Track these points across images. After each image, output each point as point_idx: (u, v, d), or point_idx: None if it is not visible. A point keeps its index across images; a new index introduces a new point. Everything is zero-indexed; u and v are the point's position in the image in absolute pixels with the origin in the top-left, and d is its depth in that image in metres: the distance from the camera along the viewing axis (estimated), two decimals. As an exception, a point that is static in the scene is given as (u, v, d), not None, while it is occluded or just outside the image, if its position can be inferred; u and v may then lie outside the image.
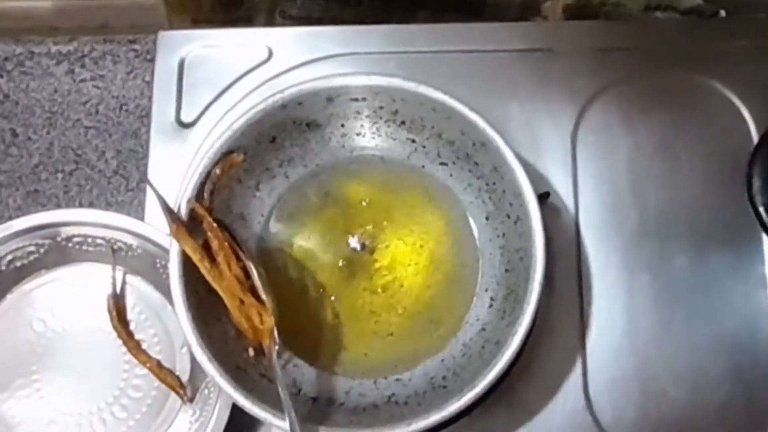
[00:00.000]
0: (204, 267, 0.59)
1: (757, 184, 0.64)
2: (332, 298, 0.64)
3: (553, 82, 0.71)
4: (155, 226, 0.65)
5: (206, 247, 0.60)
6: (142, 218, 0.68)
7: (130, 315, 0.66)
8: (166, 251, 0.60)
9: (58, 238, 0.65)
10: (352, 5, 0.76)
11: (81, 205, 0.71)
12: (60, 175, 0.72)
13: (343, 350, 0.63)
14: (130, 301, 0.66)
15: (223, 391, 0.57)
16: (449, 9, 0.75)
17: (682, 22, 0.75)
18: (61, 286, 0.67)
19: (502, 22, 0.74)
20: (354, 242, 0.65)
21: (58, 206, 0.71)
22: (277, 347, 0.59)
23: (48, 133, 0.73)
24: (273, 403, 0.57)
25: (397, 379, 0.62)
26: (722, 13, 0.74)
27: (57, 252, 0.66)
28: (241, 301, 0.59)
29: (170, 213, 0.60)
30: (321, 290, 0.64)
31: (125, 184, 0.72)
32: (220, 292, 0.59)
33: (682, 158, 0.69)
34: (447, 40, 0.72)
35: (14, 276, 0.66)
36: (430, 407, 0.57)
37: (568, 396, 0.65)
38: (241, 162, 0.62)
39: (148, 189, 0.69)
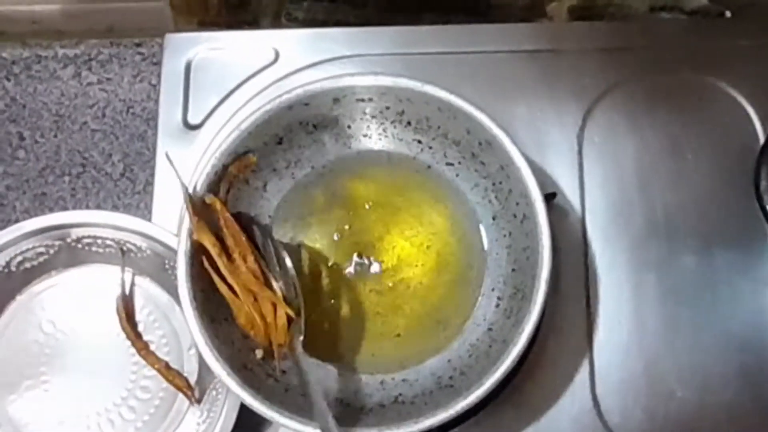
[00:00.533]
0: (222, 262, 0.59)
1: (765, 183, 0.63)
2: (339, 298, 0.64)
3: (559, 83, 0.71)
4: (164, 228, 0.65)
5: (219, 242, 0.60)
6: (149, 221, 0.68)
7: (139, 316, 0.66)
8: (175, 252, 0.60)
9: (68, 240, 0.65)
10: (357, 7, 0.76)
11: (88, 208, 0.71)
12: (67, 179, 0.72)
13: (350, 351, 0.63)
14: (138, 303, 0.66)
15: (231, 392, 0.57)
16: (455, 10, 0.76)
17: (687, 22, 0.75)
18: (70, 288, 0.67)
19: (508, 24, 0.74)
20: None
21: (65, 209, 0.71)
22: (302, 337, 0.58)
23: (55, 136, 0.73)
24: (280, 403, 0.57)
25: (404, 380, 0.62)
26: (727, 13, 0.74)
27: (66, 253, 0.66)
28: (255, 298, 0.59)
29: (192, 206, 0.60)
30: (328, 291, 0.64)
31: (132, 187, 0.72)
32: (236, 288, 0.59)
33: (688, 158, 0.69)
34: (452, 42, 0.72)
35: (24, 277, 0.66)
36: (437, 406, 0.57)
37: (575, 396, 0.64)
38: (255, 162, 0.63)
39: (155, 191, 0.69)
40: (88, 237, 0.65)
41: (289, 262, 0.60)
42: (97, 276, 0.67)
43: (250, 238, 0.61)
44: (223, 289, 0.59)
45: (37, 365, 0.65)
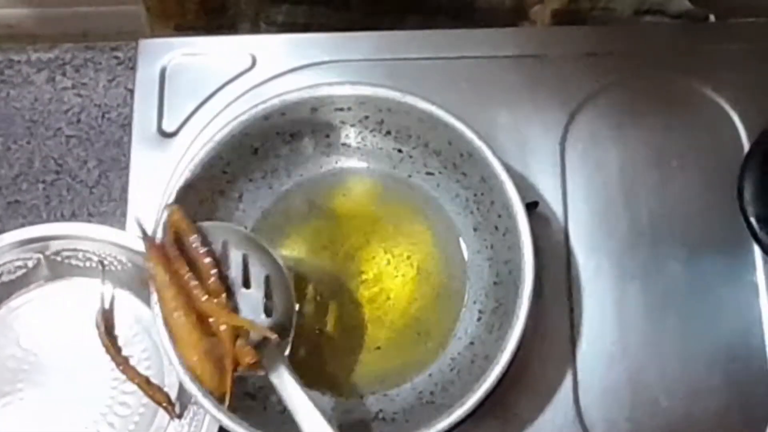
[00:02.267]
0: (169, 296, 0.55)
1: (748, 194, 0.63)
2: (317, 310, 0.63)
3: (543, 88, 0.70)
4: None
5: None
6: (124, 228, 0.67)
7: (119, 331, 0.65)
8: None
9: (47, 253, 0.64)
10: (339, 10, 0.75)
11: (63, 216, 0.70)
12: (41, 186, 0.71)
13: (329, 364, 0.62)
14: (119, 317, 0.65)
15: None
16: (439, 14, 0.75)
17: (671, 27, 0.74)
18: (49, 302, 0.65)
19: (492, 28, 0.73)
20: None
21: (39, 217, 0.70)
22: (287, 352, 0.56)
23: (28, 142, 0.72)
24: (258, 423, 0.56)
25: (385, 395, 0.61)
26: (712, 17, 0.73)
27: (46, 267, 0.65)
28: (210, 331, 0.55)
29: (146, 238, 0.57)
30: (306, 303, 0.63)
31: (108, 194, 0.71)
32: (183, 325, 0.56)
33: (672, 164, 0.69)
34: (435, 47, 0.71)
35: (1, 291, 0.65)
36: (418, 424, 0.56)
37: (558, 408, 0.64)
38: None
39: (130, 198, 0.68)
40: (68, 250, 0.64)
41: (284, 271, 0.57)
42: (76, 290, 0.65)
43: (213, 254, 0.57)
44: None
45: (14, 381, 0.64)
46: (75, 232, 0.64)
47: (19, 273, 0.65)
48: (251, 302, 0.57)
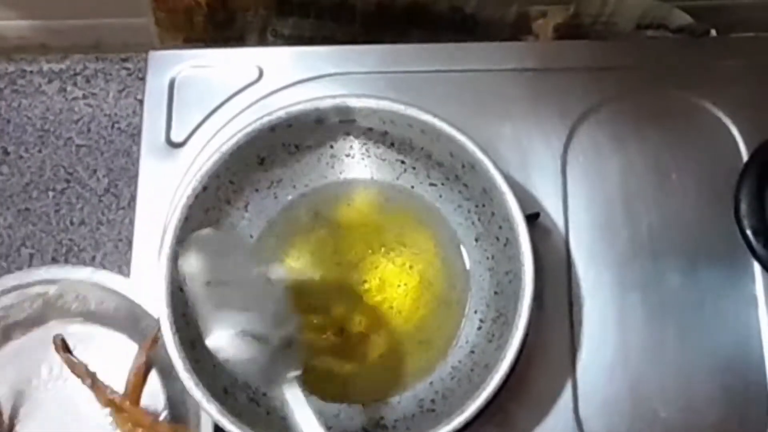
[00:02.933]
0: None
1: (744, 206, 0.63)
2: (320, 318, 0.64)
3: (545, 102, 0.71)
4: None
5: None
6: (131, 238, 0.68)
7: (117, 374, 0.64)
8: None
9: (50, 294, 0.65)
10: (344, 24, 0.76)
11: (72, 224, 0.71)
12: (51, 194, 0.72)
13: (332, 372, 0.63)
14: (116, 360, 0.65)
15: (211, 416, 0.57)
16: (442, 28, 0.75)
17: (673, 41, 0.75)
18: (50, 343, 0.65)
19: (494, 42, 0.74)
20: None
21: (49, 224, 0.71)
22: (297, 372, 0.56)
23: (39, 151, 0.73)
24: (263, 428, 0.57)
25: (386, 402, 0.62)
26: (713, 31, 0.74)
27: (48, 308, 0.65)
28: None
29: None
30: (310, 311, 0.64)
31: (116, 203, 0.72)
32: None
33: (672, 177, 0.69)
34: (439, 60, 0.72)
35: (6, 332, 0.65)
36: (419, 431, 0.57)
37: (558, 417, 0.64)
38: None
39: (138, 207, 0.69)
40: (68, 293, 0.64)
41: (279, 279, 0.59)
42: (77, 332, 0.65)
43: None
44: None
45: (25, 418, 0.64)
46: (77, 276, 0.64)
47: (24, 314, 0.65)
48: (270, 313, 0.56)
